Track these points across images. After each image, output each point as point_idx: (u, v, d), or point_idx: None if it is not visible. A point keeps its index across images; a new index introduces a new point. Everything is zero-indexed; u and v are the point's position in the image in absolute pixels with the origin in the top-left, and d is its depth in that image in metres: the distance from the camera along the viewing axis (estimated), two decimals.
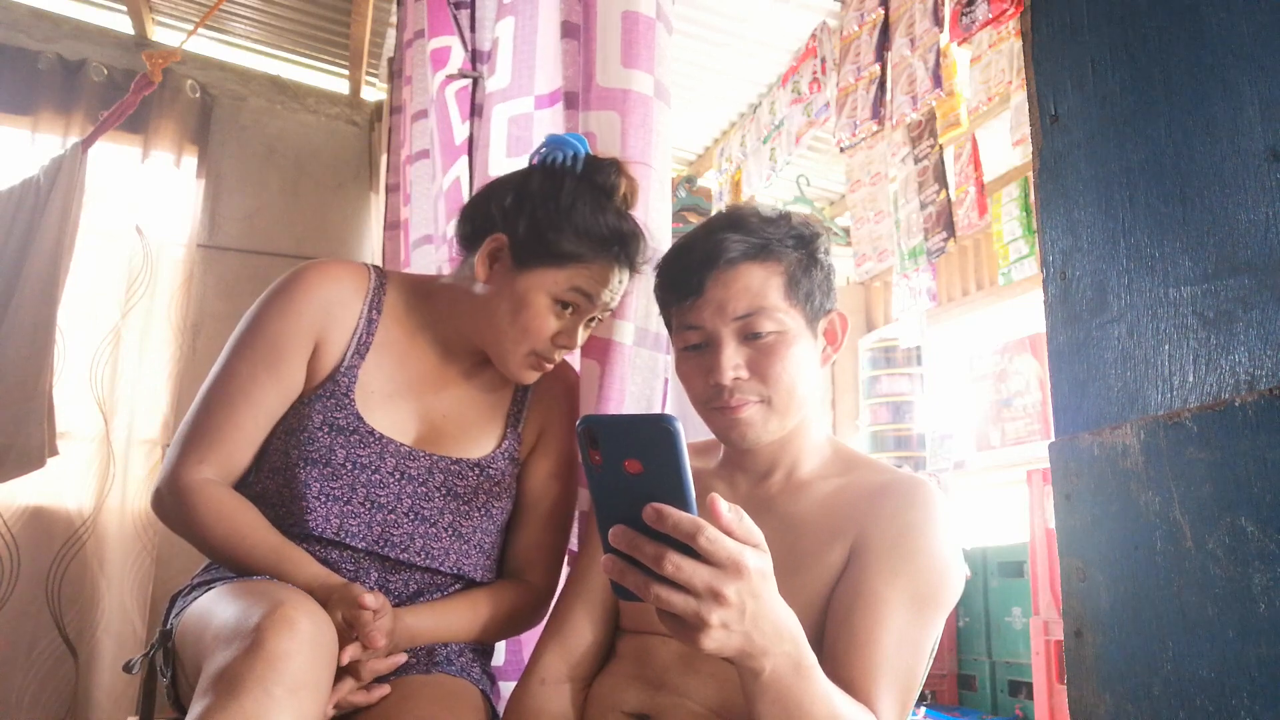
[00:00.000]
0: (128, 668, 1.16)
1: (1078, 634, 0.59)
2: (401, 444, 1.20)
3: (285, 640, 0.88)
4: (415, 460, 1.20)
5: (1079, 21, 0.63)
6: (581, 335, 1.23)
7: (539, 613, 1.29)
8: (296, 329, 1.19)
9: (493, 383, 1.31)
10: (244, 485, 1.20)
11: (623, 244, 1.19)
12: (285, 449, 1.18)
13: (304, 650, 0.90)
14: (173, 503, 1.15)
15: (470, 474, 1.23)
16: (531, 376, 1.24)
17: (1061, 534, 0.61)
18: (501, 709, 1.26)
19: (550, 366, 1.23)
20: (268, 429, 1.20)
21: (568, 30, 1.57)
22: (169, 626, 1.12)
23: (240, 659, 0.87)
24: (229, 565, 1.13)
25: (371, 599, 1.04)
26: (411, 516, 1.19)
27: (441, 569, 1.21)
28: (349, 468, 1.17)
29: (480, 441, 1.26)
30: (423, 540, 1.19)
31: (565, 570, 1.34)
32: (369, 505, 1.17)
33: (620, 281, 1.21)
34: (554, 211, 1.17)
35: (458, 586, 1.24)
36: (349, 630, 1.03)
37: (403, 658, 1.10)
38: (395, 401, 1.23)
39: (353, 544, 1.16)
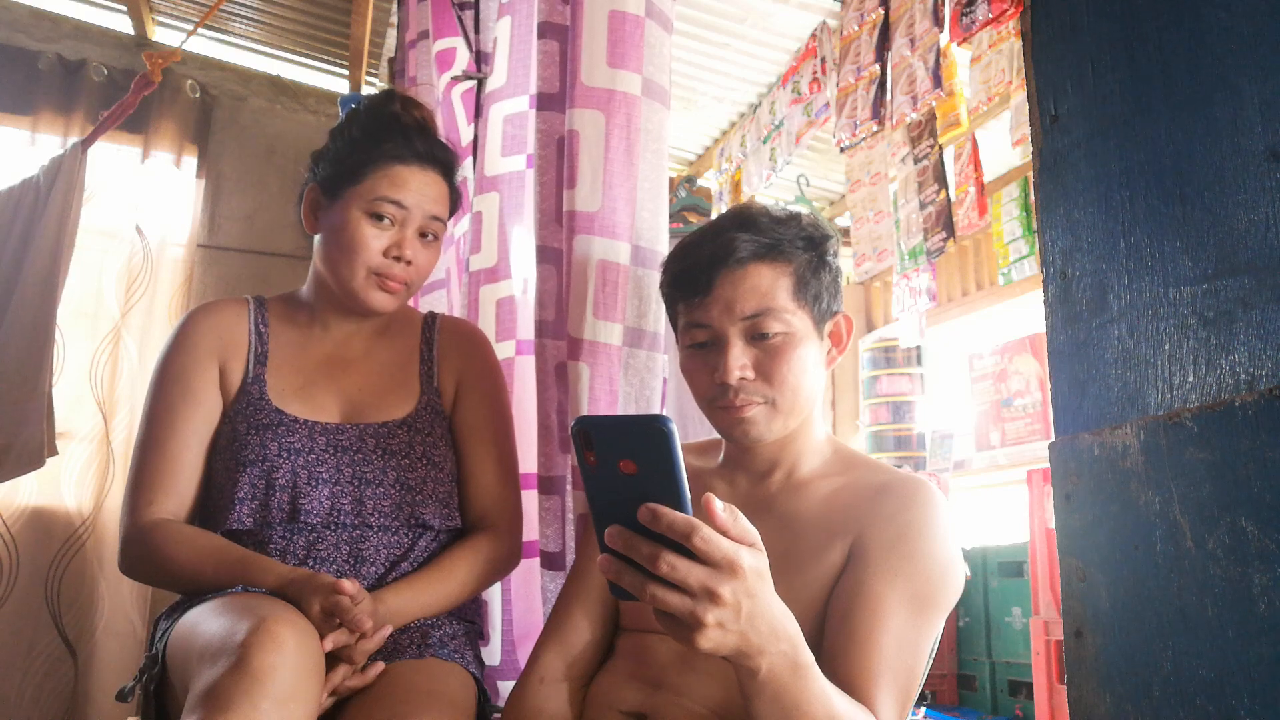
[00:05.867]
0: (121, 696, 1.17)
1: (1078, 634, 0.58)
2: (327, 423, 1.27)
3: (270, 655, 0.90)
4: (344, 433, 1.27)
5: (1079, 21, 0.63)
6: (419, 250, 1.30)
7: (514, 554, 1.34)
8: (196, 358, 1.29)
9: (396, 349, 1.38)
10: (218, 528, 1.22)
11: (405, 140, 1.29)
12: (225, 466, 1.24)
13: (289, 663, 0.91)
14: (136, 549, 1.20)
15: (400, 432, 1.29)
16: (381, 299, 1.29)
17: (1061, 534, 0.61)
18: (491, 693, 1.26)
19: (397, 286, 1.29)
20: (201, 454, 1.26)
21: (546, 30, 1.56)
22: (154, 651, 1.13)
23: (226, 676, 0.88)
24: (202, 590, 1.14)
25: (349, 584, 1.06)
26: (358, 482, 1.24)
27: (401, 522, 1.25)
28: (285, 456, 1.23)
29: (400, 403, 1.33)
30: (373, 501, 1.24)
31: (534, 511, 1.38)
32: (314, 483, 1.22)
33: (425, 183, 1.30)
34: (344, 142, 1.32)
35: (426, 543, 1.27)
36: (330, 619, 1.04)
37: (388, 629, 1.12)
38: (309, 390, 1.30)
39: (310, 520, 1.21)
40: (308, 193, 1.34)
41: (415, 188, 1.28)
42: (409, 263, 1.28)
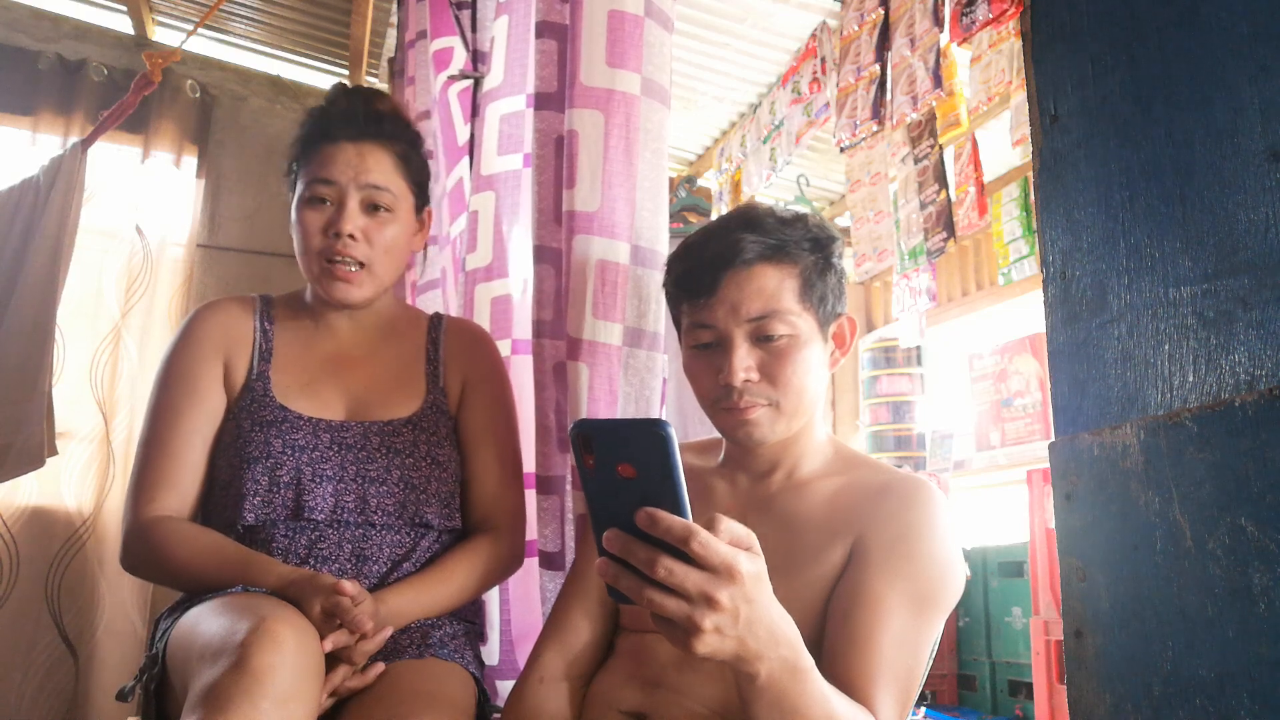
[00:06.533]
0: (121, 696, 1.17)
1: (1078, 634, 0.58)
2: (332, 420, 1.27)
3: (270, 654, 0.90)
4: (348, 430, 1.26)
5: (1079, 21, 0.63)
6: (364, 223, 1.27)
7: (516, 556, 1.34)
8: (202, 355, 1.29)
9: (402, 348, 1.37)
10: (222, 526, 1.22)
11: (334, 122, 1.29)
12: (229, 462, 1.23)
13: (289, 663, 0.91)
14: (137, 546, 1.20)
15: (405, 430, 1.28)
16: (340, 289, 1.28)
17: (1061, 534, 0.61)
18: (491, 693, 1.26)
19: (347, 268, 1.27)
20: (204, 451, 1.26)
21: (544, 30, 1.56)
22: (154, 651, 1.13)
23: (226, 675, 0.88)
24: (203, 588, 1.14)
25: (350, 585, 1.05)
26: (361, 480, 1.24)
27: (404, 521, 1.24)
28: (289, 453, 1.22)
29: (406, 402, 1.32)
30: (377, 499, 1.23)
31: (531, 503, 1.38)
32: (318, 480, 1.22)
33: (356, 154, 1.28)
34: (296, 144, 1.34)
35: (429, 543, 1.27)
36: (330, 620, 1.04)
37: (389, 630, 1.11)
38: (314, 387, 1.29)
39: (314, 517, 1.20)
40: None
41: (343, 161, 1.27)
42: (352, 237, 1.26)
